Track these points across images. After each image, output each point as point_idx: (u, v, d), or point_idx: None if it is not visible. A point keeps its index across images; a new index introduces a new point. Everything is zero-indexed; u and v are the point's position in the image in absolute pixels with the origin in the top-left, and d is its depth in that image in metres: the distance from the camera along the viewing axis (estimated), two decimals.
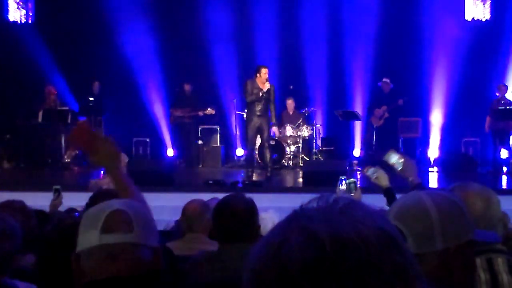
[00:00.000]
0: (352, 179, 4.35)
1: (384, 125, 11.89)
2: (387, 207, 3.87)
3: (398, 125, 12.10)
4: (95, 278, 1.53)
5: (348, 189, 4.30)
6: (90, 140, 2.14)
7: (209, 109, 11.93)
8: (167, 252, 2.07)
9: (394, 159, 3.33)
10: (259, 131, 9.72)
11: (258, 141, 10.27)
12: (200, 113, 11.93)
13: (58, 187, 4.79)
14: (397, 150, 3.41)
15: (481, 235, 1.61)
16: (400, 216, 1.46)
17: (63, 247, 1.88)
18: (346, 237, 0.75)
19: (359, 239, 0.75)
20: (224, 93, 13.04)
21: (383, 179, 3.76)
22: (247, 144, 9.95)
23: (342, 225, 0.76)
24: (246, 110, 10.31)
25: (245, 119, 11.36)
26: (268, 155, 9.77)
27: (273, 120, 9.94)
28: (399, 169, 3.31)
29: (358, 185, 4.36)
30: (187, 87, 12.21)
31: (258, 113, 9.52)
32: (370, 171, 3.85)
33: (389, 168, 3.48)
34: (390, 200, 3.61)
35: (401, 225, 1.43)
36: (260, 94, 9.43)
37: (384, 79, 11.94)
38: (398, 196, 2.82)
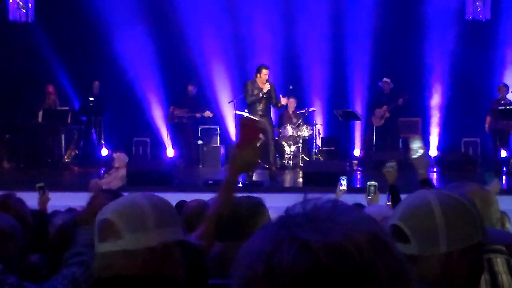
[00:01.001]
0: (373, 182, 4.36)
1: (384, 124, 11.89)
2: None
3: (399, 125, 12.10)
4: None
5: (368, 191, 4.31)
6: (252, 137, 2.15)
7: (207, 111, 11.93)
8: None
9: (416, 145, 3.37)
10: (261, 131, 9.69)
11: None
12: (198, 115, 11.92)
13: (41, 184, 4.73)
14: (420, 142, 3.46)
15: (498, 235, 1.57)
16: (404, 217, 1.41)
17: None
18: (339, 246, 0.74)
19: (352, 246, 0.74)
20: (224, 93, 13.03)
21: (391, 176, 3.87)
22: None
23: (333, 233, 0.75)
24: (246, 110, 10.29)
25: None
26: (272, 155, 9.74)
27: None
28: (413, 156, 3.35)
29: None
30: (190, 88, 12.21)
31: (260, 113, 9.48)
32: (389, 164, 3.99)
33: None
34: (394, 197, 3.72)
35: (405, 226, 1.39)
36: (261, 95, 9.41)
37: (385, 79, 11.94)
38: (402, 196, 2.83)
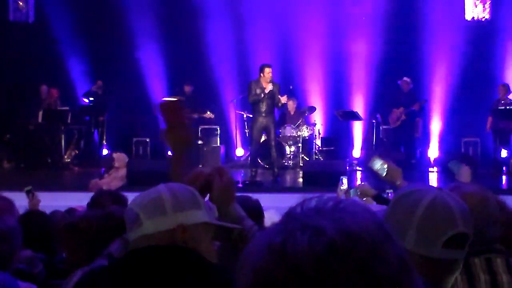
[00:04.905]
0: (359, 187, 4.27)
1: (401, 125, 11.77)
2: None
3: (414, 125, 12.06)
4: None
5: (359, 196, 4.22)
6: (177, 116, 2.16)
7: (208, 112, 11.90)
8: None
9: (378, 165, 3.20)
10: (265, 130, 9.66)
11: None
12: (195, 116, 11.83)
13: (29, 188, 4.59)
14: (381, 156, 3.28)
15: None
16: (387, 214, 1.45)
17: None
18: (351, 231, 0.76)
19: (364, 232, 0.77)
20: (224, 93, 13.03)
21: (397, 174, 3.17)
22: (252, 144, 9.83)
23: (343, 220, 0.78)
24: (246, 111, 10.29)
25: (244, 119, 11.35)
26: (274, 155, 9.69)
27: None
28: (383, 175, 3.20)
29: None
30: (187, 89, 12.18)
31: (264, 113, 9.42)
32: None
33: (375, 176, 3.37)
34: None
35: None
36: (262, 95, 9.35)
37: (405, 78, 11.77)
38: None
